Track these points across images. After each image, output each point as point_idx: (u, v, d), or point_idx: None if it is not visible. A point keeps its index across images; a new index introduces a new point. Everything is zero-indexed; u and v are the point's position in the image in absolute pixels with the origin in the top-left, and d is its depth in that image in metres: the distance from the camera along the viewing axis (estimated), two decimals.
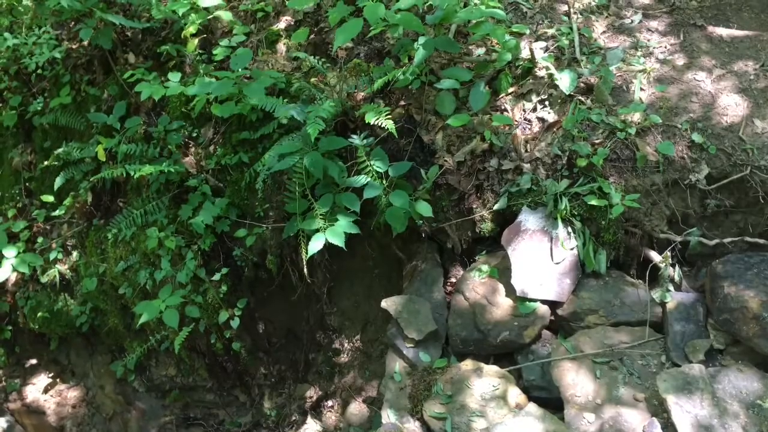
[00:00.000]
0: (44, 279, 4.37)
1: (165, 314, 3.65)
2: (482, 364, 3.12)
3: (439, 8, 3.39)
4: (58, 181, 4.15)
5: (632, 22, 3.62)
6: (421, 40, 3.27)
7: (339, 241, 3.22)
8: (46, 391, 4.82)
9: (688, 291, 3.08)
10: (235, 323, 3.89)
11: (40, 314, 4.45)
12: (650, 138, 3.15)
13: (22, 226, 4.42)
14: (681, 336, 2.91)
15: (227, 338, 4.06)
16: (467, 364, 3.13)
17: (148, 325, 3.99)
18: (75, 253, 4.40)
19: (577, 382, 2.87)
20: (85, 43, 4.27)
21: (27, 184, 4.62)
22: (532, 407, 2.78)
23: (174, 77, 3.71)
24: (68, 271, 4.40)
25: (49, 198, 4.32)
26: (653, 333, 3.00)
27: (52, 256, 4.37)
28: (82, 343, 4.76)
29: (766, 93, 3.22)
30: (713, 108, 3.20)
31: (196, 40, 3.88)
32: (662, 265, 3.09)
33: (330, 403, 4.16)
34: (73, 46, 4.34)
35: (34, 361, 4.91)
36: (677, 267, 3.10)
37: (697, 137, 3.09)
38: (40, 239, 4.40)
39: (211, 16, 3.89)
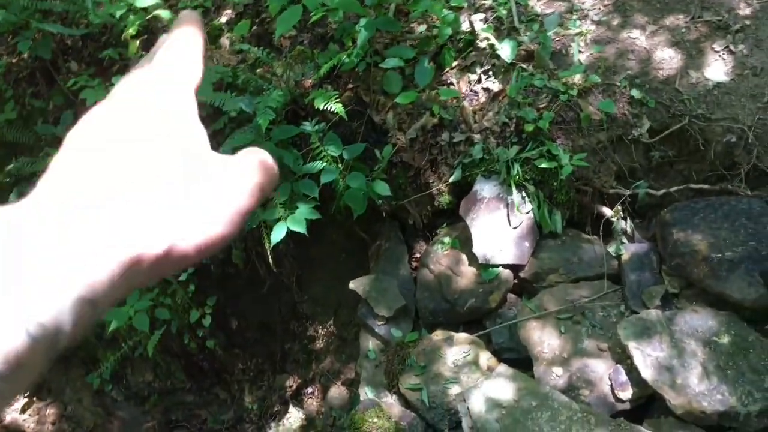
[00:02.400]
0: None
1: (135, 319, 3.65)
2: (452, 333, 3.20)
3: None
4: (12, 199, 4.09)
5: None
6: (362, 21, 3.30)
7: (301, 228, 3.25)
8: (23, 410, 4.75)
9: (641, 242, 3.19)
10: (206, 321, 3.91)
11: None
12: (592, 98, 3.24)
13: None
14: (637, 285, 3.02)
15: (200, 337, 4.07)
16: (438, 335, 3.20)
17: (120, 333, 3.98)
18: None
19: (543, 339, 2.96)
20: (25, 55, 4.20)
21: None
22: (503, 368, 2.87)
23: (118, 81, 3.68)
24: None
25: None
26: (611, 285, 3.11)
27: None
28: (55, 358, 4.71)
29: (698, 44, 3.33)
30: (649, 63, 3.31)
31: (137, 42, 3.85)
32: (614, 219, 3.20)
33: (310, 389, 4.21)
34: (13, 60, 4.27)
35: None
36: (629, 220, 3.21)
37: (636, 93, 3.20)
38: None
39: (149, 16, 3.85)
